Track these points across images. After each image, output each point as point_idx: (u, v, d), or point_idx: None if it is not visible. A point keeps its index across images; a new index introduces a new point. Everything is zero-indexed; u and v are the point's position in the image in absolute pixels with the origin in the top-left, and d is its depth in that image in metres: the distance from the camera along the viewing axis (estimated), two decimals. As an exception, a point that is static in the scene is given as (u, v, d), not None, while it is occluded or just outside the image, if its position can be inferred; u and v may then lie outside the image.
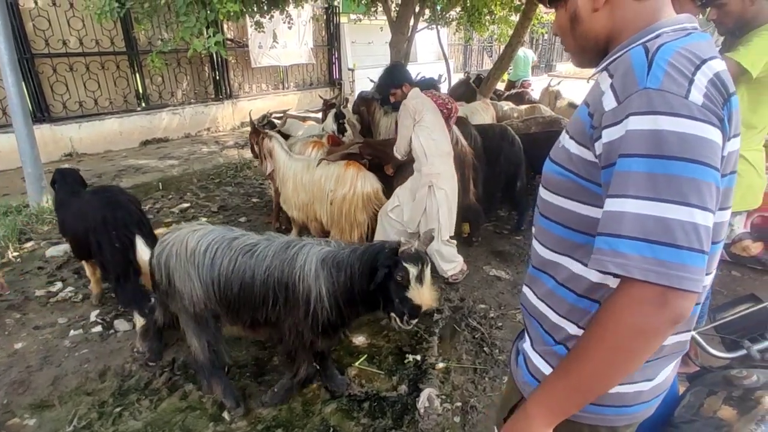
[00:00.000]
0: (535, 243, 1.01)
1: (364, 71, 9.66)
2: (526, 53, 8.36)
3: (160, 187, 5.77)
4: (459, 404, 2.24)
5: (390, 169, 3.44)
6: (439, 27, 7.85)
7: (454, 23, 8.31)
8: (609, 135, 0.76)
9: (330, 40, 10.67)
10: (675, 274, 0.68)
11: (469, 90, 5.30)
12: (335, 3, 10.17)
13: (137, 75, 7.70)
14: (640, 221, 0.70)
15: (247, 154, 6.34)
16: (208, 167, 6.67)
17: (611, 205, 0.74)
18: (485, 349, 2.61)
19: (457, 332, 2.76)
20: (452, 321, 2.87)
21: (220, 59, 8.74)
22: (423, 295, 1.84)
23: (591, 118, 0.82)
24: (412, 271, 1.80)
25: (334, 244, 2.02)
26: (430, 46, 13.74)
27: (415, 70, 7.83)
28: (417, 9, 4.99)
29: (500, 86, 7.48)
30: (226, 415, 2.19)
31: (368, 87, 5.30)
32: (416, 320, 1.90)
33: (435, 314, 2.91)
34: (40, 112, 6.53)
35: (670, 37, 0.79)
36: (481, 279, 3.39)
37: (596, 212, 0.83)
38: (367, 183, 3.22)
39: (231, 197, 5.43)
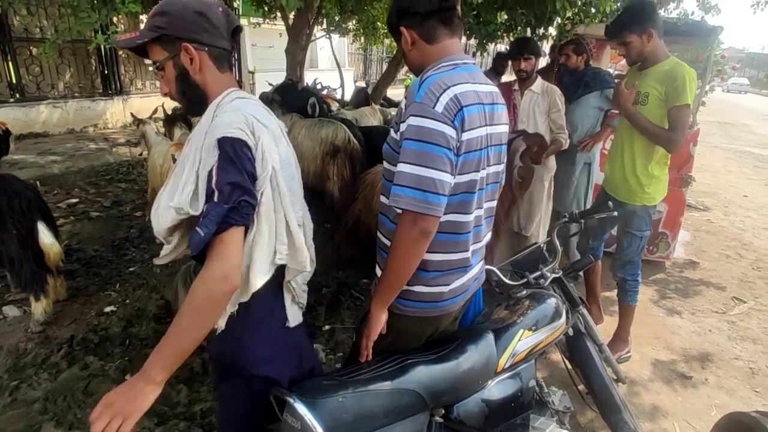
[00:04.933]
0: (381, 198, 1.47)
1: (265, 74, 9.79)
2: None
3: (38, 185, 5.47)
4: (341, 354, 2.68)
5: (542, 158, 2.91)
6: (334, 36, 8.34)
7: (351, 34, 8.86)
8: (403, 126, 1.27)
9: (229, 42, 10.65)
10: (423, 206, 1.19)
11: (365, 97, 5.87)
12: (235, 5, 10.19)
13: (10, 64, 7.14)
14: (406, 176, 1.20)
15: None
16: (97, 164, 6.43)
17: (398, 167, 1.22)
18: (365, 312, 3.09)
19: (342, 301, 3.22)
20: (338, 293, 3.32)
21: (109, 52, 8.37)
22: None
23: (399, 116, 1.34)
24: None
25: None
26: (331, 53, 14.18)
27: (313, 75, 8.23)
28: (312, 19, 5.38)
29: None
30: (129, 377, 2.40)
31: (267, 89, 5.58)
32: None
33: (324, 288, 3.35)
34: None
35: (440, 70, 1.30)
36: (367, 259, 3.87)
37: None
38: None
39: (125, 193, 5.38)
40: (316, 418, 1.16)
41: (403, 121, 1.26)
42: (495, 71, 4.79)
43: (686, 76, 2.30)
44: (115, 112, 8.55)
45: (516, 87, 3.04)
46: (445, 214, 1.29)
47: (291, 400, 1.18)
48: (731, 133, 12.90)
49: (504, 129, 1.44)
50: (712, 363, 2.85)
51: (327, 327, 2.93)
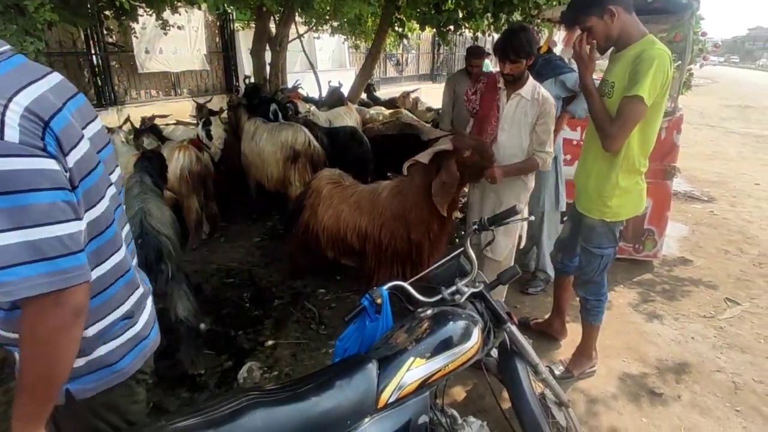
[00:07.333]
0: None
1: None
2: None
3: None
4: (276, 373, 2.52)
5: (497, 175, 2.36)
6: (335, 37, 8.19)
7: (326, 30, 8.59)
8: None
9: (225, 47, 10.65)
10: (58, 279, 0.81)
11: (339, 97, 5.72)
12: (229, 10, 10.16)
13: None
14: (9, 251, 0.78)
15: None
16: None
17: None
18: (312, 326, 2.92)
19: (292, 313, 3.05)
20: (290, 304, 3.16)
21: (101, 63, 8.43)
22: None
23: None
24: None
25: None
26: (330, 53, 14.11)
27: (294, 78, 8.12)
28: (279, 19, 5.22)
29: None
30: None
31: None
32: None
33: (276, 300, 3.19)
34: None
35: None
36: (327, 267, 3.64)
37: None
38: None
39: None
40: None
41: None
42: (467, 72, 4.09)
43: (653, 60, 1.85)
44: (110, 123, 8.52)
45: (501, 85, 2.48)
46: None
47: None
48: (751, 116, 12.19)
49: (99, 124, 1.06)
50: (689, 376, 2.56)
51: (270, 342, 2.77)
